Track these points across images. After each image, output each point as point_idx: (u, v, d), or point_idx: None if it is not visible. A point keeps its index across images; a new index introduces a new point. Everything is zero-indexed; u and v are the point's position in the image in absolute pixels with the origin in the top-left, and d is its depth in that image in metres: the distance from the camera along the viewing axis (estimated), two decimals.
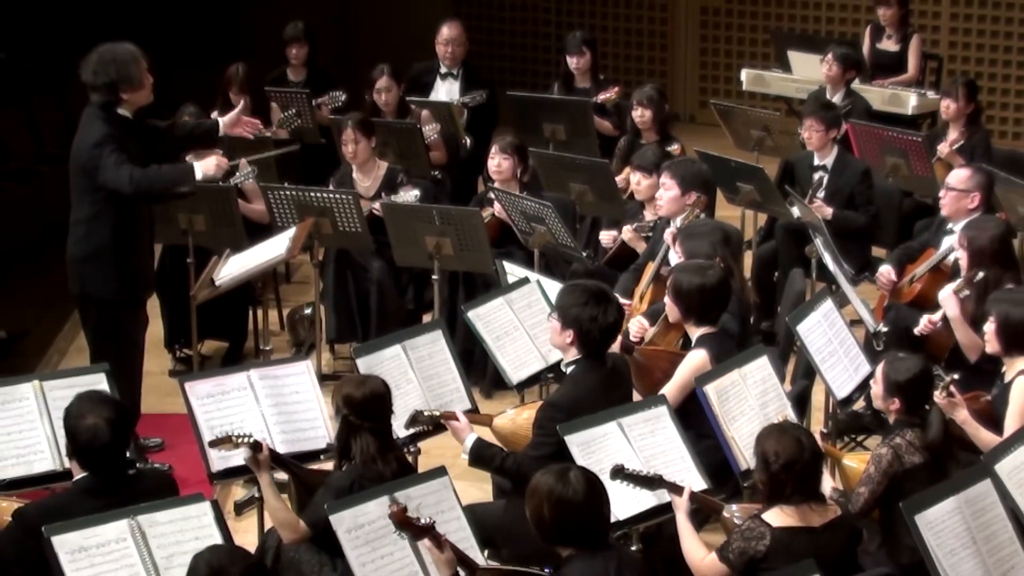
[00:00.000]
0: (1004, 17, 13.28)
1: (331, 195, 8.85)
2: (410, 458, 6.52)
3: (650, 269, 8.01)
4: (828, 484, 6.06)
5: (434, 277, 8.65)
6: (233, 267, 8.14)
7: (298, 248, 8.44)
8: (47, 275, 7.98)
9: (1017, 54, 13.33)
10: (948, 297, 7.40)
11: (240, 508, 7.40)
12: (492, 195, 9.13)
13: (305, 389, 6.57)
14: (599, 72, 11.19)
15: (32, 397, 6.34)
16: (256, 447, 6.02)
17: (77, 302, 7.85)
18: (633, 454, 6.01)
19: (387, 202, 8.89)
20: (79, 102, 7.71)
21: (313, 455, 6.44)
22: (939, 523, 5.45)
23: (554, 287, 7.28)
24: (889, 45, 11.75)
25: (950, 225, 8.29)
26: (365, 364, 6.59)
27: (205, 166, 7.54)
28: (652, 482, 5.84)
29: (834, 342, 7.05)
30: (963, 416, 6.39)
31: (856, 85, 10.84)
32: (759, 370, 6.53)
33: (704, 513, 6.27)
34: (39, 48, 11.61)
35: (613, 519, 5.55)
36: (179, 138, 7.98)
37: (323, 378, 8.29)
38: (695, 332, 6.82)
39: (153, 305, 8.75)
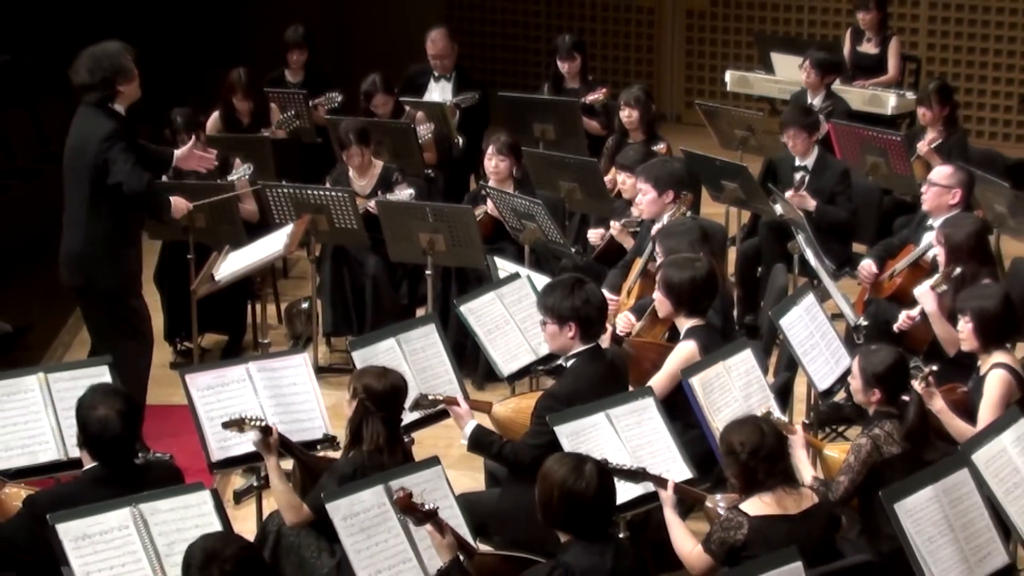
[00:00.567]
0: (980, 20, 13.24)
1: (328, 193, 8.89)
2: None
3: (637, 265, 8.03)
4: (809, 473, 6.13)
5: (428, 272, 8.70)
6: (232, 263, 8.20)
7: (295, 244, 8.47)
8: (51, 271, 7.97)
9: (993, 56, 13.30)
10: (925, 292, 7.44)
11: (239, 497, 7.47)
12: (484, 193, 9.18)
13: (302, 381, 6.61)
14: (588, 74, 11.21)
15: (37, 389, 6.38)
16: (267, 431, 6.11)
17: (78, 296, 7.87)
18: (620, 444, 6.05)
19: (382, 200, 8.93)
20: None
21: (310, 445, 6.45)
22: (918, 511, 5.48)
23: (544, 282, 7.21)
24: (869, 48, 11.79)
25: (930, 221, 8.32)
26: (361, 357, 6.60)
27: (176, 204, 7.86)
28: (636, 475, 5.87)
29: (816, 335, 7.10)
30: (939, 405, 6.43)
31: (836, 86, 10.85)
32: (743, 362, 6.56)
33: (688, 503, 6.31)
34: (43, 50, 11.64)
35: None
36: None
37: (320, 370, 8.41)
38: (684, 324, 6.84)
39: (154, 299, 8.82)
